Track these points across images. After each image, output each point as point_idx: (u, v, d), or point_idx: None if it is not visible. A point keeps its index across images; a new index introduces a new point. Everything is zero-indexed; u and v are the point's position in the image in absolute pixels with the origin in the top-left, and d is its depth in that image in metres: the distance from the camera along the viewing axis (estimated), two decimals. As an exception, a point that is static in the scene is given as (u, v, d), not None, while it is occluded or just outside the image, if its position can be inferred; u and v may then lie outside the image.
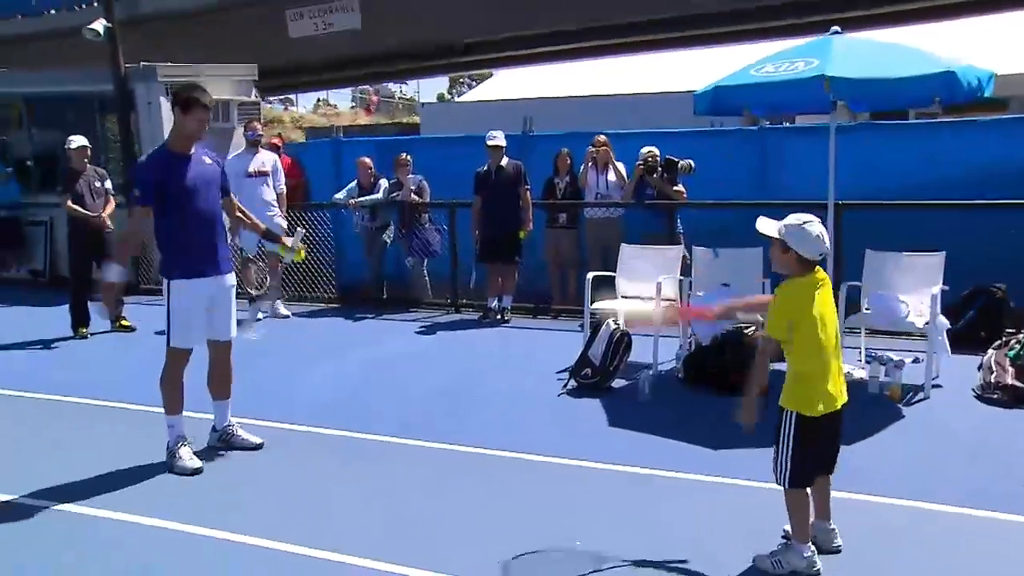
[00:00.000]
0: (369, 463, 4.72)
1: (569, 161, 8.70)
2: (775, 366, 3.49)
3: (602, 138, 8.60)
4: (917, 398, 5.56)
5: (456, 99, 37.55)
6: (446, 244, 9.11)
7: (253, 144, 8.82)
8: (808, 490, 3.35)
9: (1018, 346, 5.67)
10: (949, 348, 5.85)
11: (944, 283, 5.82)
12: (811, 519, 3.38)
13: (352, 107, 50.49)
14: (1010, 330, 6.17)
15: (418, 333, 8.11)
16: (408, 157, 9.22)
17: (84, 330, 8.03)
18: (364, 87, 43.51)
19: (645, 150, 8.31)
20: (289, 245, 5.20)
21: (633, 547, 3.59)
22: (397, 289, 9.63)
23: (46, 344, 7.77)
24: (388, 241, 9.42)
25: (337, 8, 19.22)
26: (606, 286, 6.97)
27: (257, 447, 4.84)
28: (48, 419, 5.67)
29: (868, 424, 5.00)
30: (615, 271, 6.95)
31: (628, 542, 3.63)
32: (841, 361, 3.41)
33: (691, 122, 8.39)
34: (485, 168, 8.43)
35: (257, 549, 3.65)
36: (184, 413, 4.65)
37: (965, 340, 6.33)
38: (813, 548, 3.31)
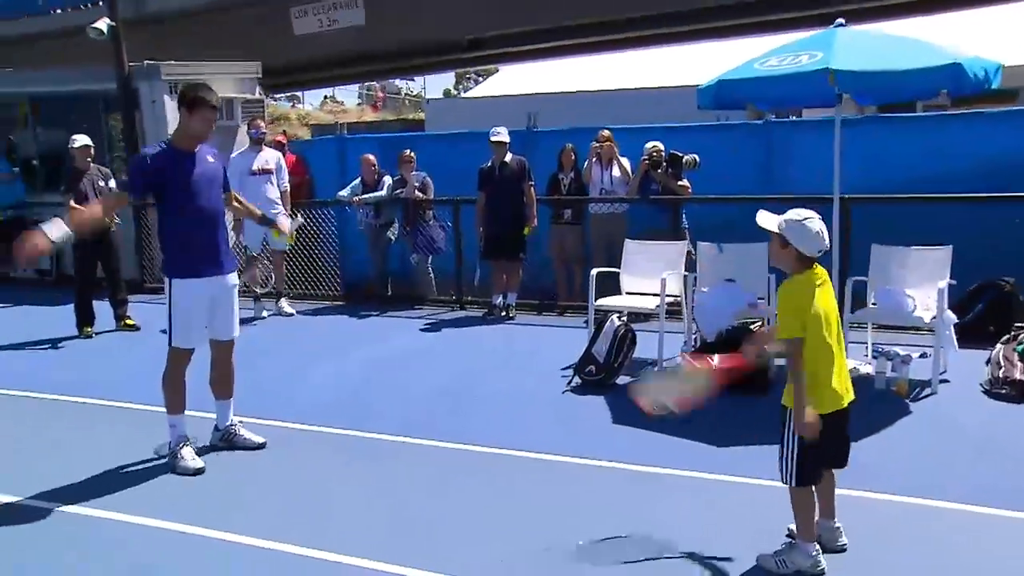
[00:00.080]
0: (372, 462, 4.70)
1: (573, 157, 8.66)
2: (778, 362, 3.45)
3: (606, 133, 8.56)
4: (924, 393, 5.51)
5: (462, 95, 37.53)
6: (450, 241, 9.09)
7: (257, 142, 8.80)
8: (813, 488, 3.32)
9: (1027, 341, 5.62)
10: (956, 343, 5.81)
11: (951, 277, 5.77)
12: (816, 517, 3.35)
13: (358, 104, 50.55)
14: (1019, 324, 6.12)
15: (422, 330, 8.09)
16: (412, 154, 9.19)
17: (89, 329, 8.04)
18: (370, 84, 43.57)
19: (650, 145, 8.27)
20: (284, 231, 5.23)
21: (636, 546, 3.56)
22: (402, 286, 9.61)
23: (50, 343, 7.77)
24: (392, 238, 9.41)
25: (341, 4, 19.21)
26: (613, 282, 6.94)
27: (259, 447, 4.83)
28: (50, 419, 5.67)
29: (874, 420, 4.95)
30: (620, 267, 6.92)
31: (631, 541, 3.60)
32: (845, 359, 3.36)
33: (696, 116, 8.34)
34: (489, 164, 8.40)
35: (259, 550, 3.63)
36: (186, 412, 4.64)
37: (973, 334, 6.28)
38: (818, 547, 3.27)
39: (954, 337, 5.79)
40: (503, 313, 8.41)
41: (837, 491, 3.47)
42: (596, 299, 6.65)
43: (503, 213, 8.27)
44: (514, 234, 8.31)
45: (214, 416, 4.89)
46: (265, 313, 8.75)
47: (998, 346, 5.72)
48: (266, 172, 8.67)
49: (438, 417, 5.37)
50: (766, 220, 3.34)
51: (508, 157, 8.33)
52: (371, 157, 9.43)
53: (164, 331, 4.61)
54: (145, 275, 10.32)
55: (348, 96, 52.60)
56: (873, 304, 5.98)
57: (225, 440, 4.84)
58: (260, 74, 11.78)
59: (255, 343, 7.38)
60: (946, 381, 5.69)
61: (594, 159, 8.51)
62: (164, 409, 4.63)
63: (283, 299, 8.96)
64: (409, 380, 6.27)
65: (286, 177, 8.94)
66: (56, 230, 4.28)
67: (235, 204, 5.02)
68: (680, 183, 8.18)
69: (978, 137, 8.08)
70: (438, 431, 5.05)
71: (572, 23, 17.53)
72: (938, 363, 5.62)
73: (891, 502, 3.91)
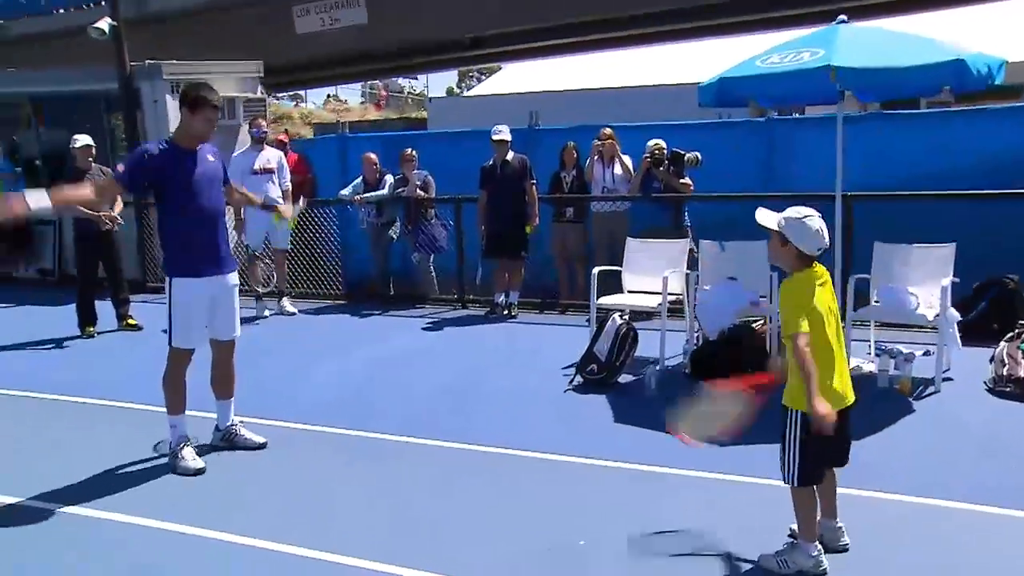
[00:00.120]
0: (373, 462, 4.69)
1: (575, 155, 8.64)
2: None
3: (608, 131, 8.53)
4: (927, 392, 5.49)
5: (464, 94, 37.50)
6: (452, 239, 9.07)
7: (258, 141, 8.80)
8: (814, 488, 3.30)
9: (1031, 338, 5.60)
10: (960, 340, 5.78)
11: (955, 275, 5.74)
12: (817, 517, 3.33)
13: (362, 103, 50.53)
14: (1023, 322, 6.08)
15: (424, 329, 8.08)
16: (414, 152, 9.18)
17: (91, 329, 8.05)
18: (373, 82, 43.54)
19: (652, 143, 8.26)
20: (286, 215, 5.29)
21: (637, 545, 3.55)
22: (404, 285, 9.60)
23: (52, 343, 7.77)
24: (394, 237, 9.40)
25: (343, 3, 19.20)
26: (615, 280, 6.92)
27: (260, 446, 4.82)
28: (51, 419, 5.67)
29: (877, 418, 4.94)
30: (622, 265, 6.90)
31: (632, 541, 3.59)
32: (846, 359, 3.34)
33: (698, 114, 8.32)
34: (491, 163, 8.38)
35: (259, 550, 3.62)
36: (187, 412, 4.63)
37: (977, 332, 6.26)
38: (820, 547, 3.25)
39: (958, 335, 5.75)
40: (505, 312, 8.40)
41: (840, 490, 3.45)
42: (598, 298, 6.64)
43: (505, 212, 8.25)
44: (516, 233, 8.29)
45: (215, 416, 4.88)
46: (267, 312, 8.75)
47: (1002, 344, 5.70)
48: (267, 171, 8.67)
49: (440, 416, 5.36)
50: (765, 218, 3.32)
51: (510, 155, 8.32)
52: (373, 156, 9.42)
53: (165, 331, 4.61)
54: (147, 275, 10.32)
55: (351, 95, 52.54)
56: (876, 302, 5.95)
57: (226, 440, 4.83)
58: (262, 73, 11.77)
59: (257, 342, 7.38)
60: (949, 379, 5.66)
61: (596, 157, 8.49)
62: (165, 409, 4.61)
63: (285, 298, 8.96)
64: (411, 379, 6.26)
65: (287, 176, 8.93)
66: (37, 200, 4.15)
67: (236, 196, 5.03)
68: (682, 181, 8.16)
69: (982, 134, 8.05)
70: (440, 430, 5.04)
71: (575, 20, 17.50)
72: (941, 361, 5.60)
73: (894, 501, 3.89)
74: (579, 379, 5.94)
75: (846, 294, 5.73)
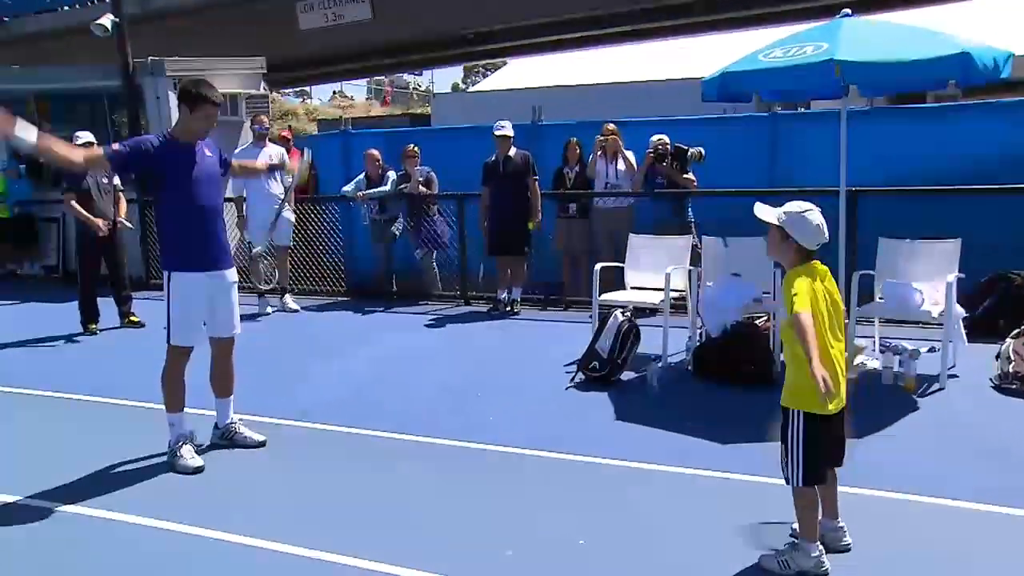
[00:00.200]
0: (374, 460, 4.66)
1: (579, 150, 8.60)
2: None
3: (611, 127, 8.48)
4: (932, 389, 5.44)
5: (469, 89, 37.45)
6: (455, 236, 9.04)
7: (260, 138, 8.79)
8: (816, 488, 3.26)
9: (1037, 335, 5.54)
10: (966, 337, 5.73)
11: (960, 270, 5.69)
12: (819, 517, 3.29)
13: (368, 99, 50.53)
14: (1029, 318, 6.02)
15: (427, 326, 8.05)
16: (416, 148, 9.14)
17: (94, 326, 8.05)
18: (379, 78, 43.54)
19: (655, 138, 8.21)
20: (294, 168, 5.34)
21: (637, 545, 3.51)
22: (406, 282, 9.58)
23: (55, 340, 7.77)
24: (397, 233, 9.37)
25: (346, -1, 19.20)
26: (619, 276, 6.89)
27: (260, 445, 4.79)
28: (50, 416, 5.65)
29: (881, 416, 4.90)
30: (625, 262, 6.86)
31: (632, 540, 3.56)
32: (845, 357, 3.29)
33: (702, 109, 8.26)
34: (493, 159, 8.34)
35: (259, 550, 3.58)
36: (186, 410, 4.61)
37: (983, 329, 6.21)
38: (821, 547, 3.21)
39: (963, 331, 5.71)
40: (508, 308, 8.37)
41: (842, 489, 3.41)
42: (601, 294, 6.60)
43: (507, 208, 8.22)
44: (518, 229, 8.25)
45: (214, 414, 4.86)
46: (269, 309, 8.74)
47: (1008, 340, 5.63)
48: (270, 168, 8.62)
49: (440, 415, 5.33)
50: (764, 212, 3.28)
51: (512, 151, 8.28)
52: (375, 152, 9.39)
53: (166, 328, 4.58)
54: (151, 272, 10.33)
55: (357, 91, 52.56)
56: (880, 298, 5.90)
57: (225, 438, 4.81)
58: (265, 69, 11.77)
59: (258, 339, 7.37)
60: (955, 376, 5.61)
61: (599, 153, 8.44)
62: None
63: (287, 295, 8.95)
64: (412, 377, 6.23)
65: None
66: (25, 130, 4.03)
67: (239, 171, 5.02)
68: (685, 176, 8.12)
69: (990, 128, 7.97)
70: (441, 429, 5.01)
71: (578, 15, 17.45)
72: (947, 358, 5.54)
73: (898, 500, 3.85)
74: (581, 376, 5.90)
75: (850, 291, 5.68)
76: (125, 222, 8.17)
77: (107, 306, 8.16)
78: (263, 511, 4.00)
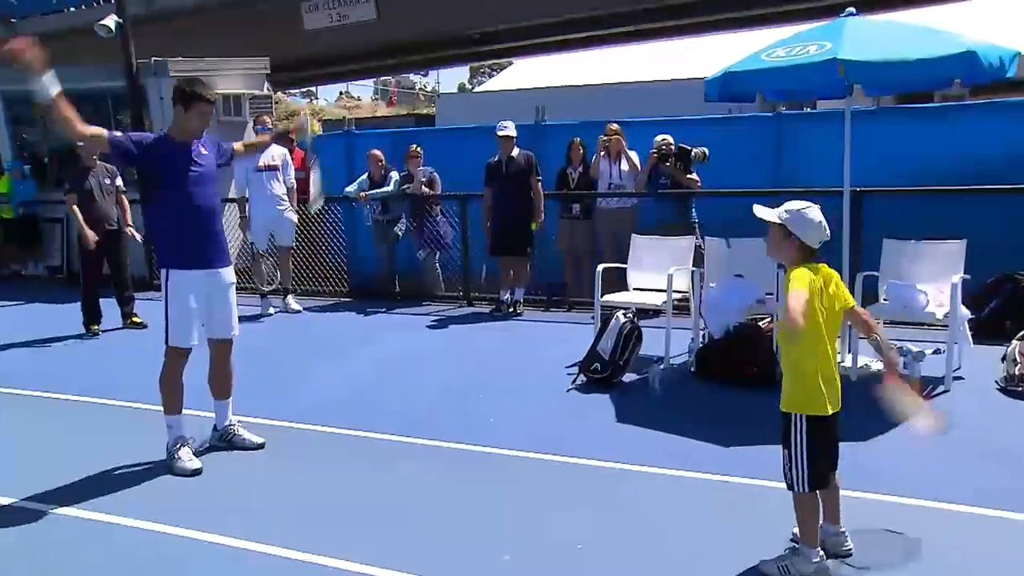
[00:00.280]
0: (374, 463, 4.63)
1: (582, 151, 8.56)
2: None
3: (614, 127, 8.45)
4: (937, 391, 5.39)
5: (475, 90, 37.45)
6: (458, 236, 9.02)
7: (262, 138, 8.77)
8: (818, 493, 3.22)
9: (1044, 337, 5.48)
10: (971, 339, 5.67)
11: (966, 271, 5.63)
12: (820, 522, 3.25)
13: (374, 99, 50.56)
14: (1036, 320, 5.97)
15: (429, 327, 8.02)
16: (419, 149, 9.12)
17: (96, 327, 8.04)
18: (385, 79, 43.56)
19: (659, 138, 8.17)
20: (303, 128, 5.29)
21: (637, 548, 3.48)
22: (409, 282, 9.55)
23: (58, 341, 7.77)
24: (400, 234, 9.35)
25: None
26: (623, 277, 6.85)
27: (258, 447, 4.77)
28: (50, 418, 5.65)
29: (885, 419, 4.80)
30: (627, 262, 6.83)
31: (632, 543, 3.52)
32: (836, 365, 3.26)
33: (706, 109, 8.22)
34: (496, 159, 8.31)
35: (257, 554, 3.55)
36: (185, 411, 4.59)
37: (988, 330, 6.16)
38: (822, 553, 3.18)
39: (969, 333, 5.65)
40: (511, 309, 8.34)
41: (844, 493, 3.37)
42: (604, 295, 6.57)
43: (510, 208, 8.18)
44: (521, 230, 8.22)
45: (213, 415, 4.84)
46: (272, 310, 8.72)
47: (1014, 342, 5.58)
48: (272, 168, 8.63)
49: (441, 416, 5.30)
50: (764, 212, 3.25)
51: (515, 152, 8.25)
52: (378, 152, 9.38)
53: (164, 329, 4.55)
54: (153, 272, 10.30)
55: (363, 91, 52.65)
56: (884, 300, 5.85)
57: (224, 440, 4.79)
58: (268, 70, 11.76)
59: (260, 340, 7.36)
60: (960, 378, 5.56)
61: (602, 153, 8.40)
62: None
63: (289, 296, 8.93)
64: (414, 378, 6.20)
65: (292, 173, 8.90)
66: (51, 82, 3.99)
67: (243, 151, 4.97)
68: (689, 177, 8.07)
69: (996, 127, 7.91)
70: (441, 431, 4.97)
71: (582, 15, 17.42)
72: (952, 360, 5.49)
73: (901, 505, 3.80)
74: (582, 378, 5.87)
75: (854, 292, 5.62)
76: (135, 233, 8.14)
77: (110, 307, 8.15)
78: (260, 513, 3.98)
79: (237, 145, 4.96)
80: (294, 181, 8.89)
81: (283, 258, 8.97)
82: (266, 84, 11.76)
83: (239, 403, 4.91)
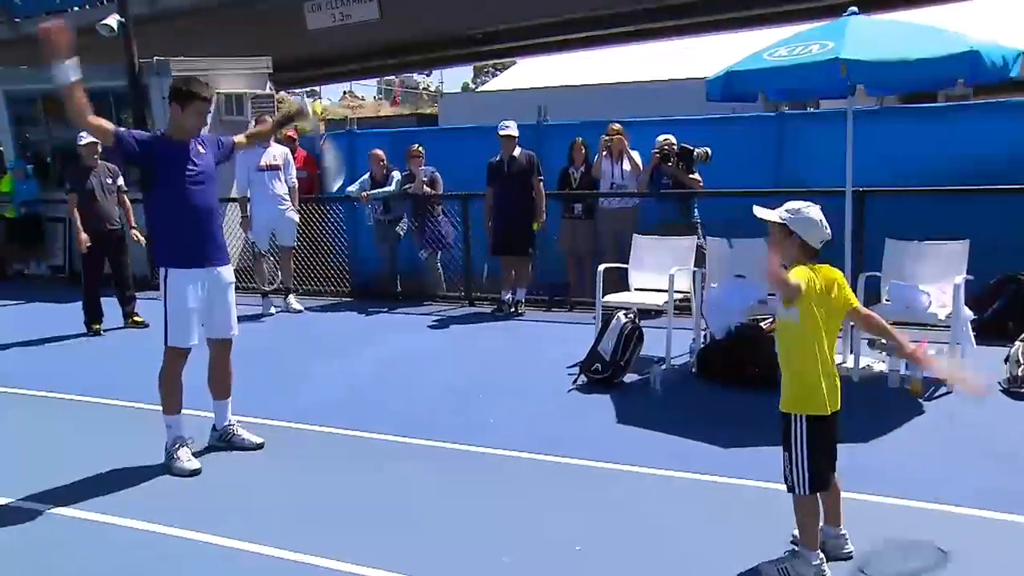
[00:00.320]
0: (373, 463, 4.61)
1: (584, 150, 8.54)
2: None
3: (616, 127, 8.43)
4: (939, 392, 5.36)
5: (478, 89, 37.42)
6: (459, 236, 9.00)
7: (264, 138, 8.75)
8: (818, 495, 3.20)
9: (1047, 338, 5.46)
10: (974, 340, 5.64)
11: (968, 272, 5.61)
12: (820, 524, 3.23)
13: (377, 99, 50.56)
14: (1039, 321, 5.94)
15: (431, 327, 8.01)
16: (420, 148, 9.11)
17: (98, 327, 8.04)
18: (389, 78, 43.55)
19: (661, 138, 8.15)
20: (307, 112, 5.10)
21: (635, 551, 3.46)
22: (411, 282, 9.54)
23: (59, 341, 7.77)
24: (401, 234, 9.34)
25: (354, -1, 19.21)
26: (625, 277, 6.83)
27: (258, 447, 4.76)
28: (50, 417, 5.64)
29: (887, 420, 4.83)
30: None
31: (630, 545, 3.51)
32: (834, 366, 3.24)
33: (709, 109, 8.19)
34: (498, 159, 8.30)
35: (256, 555, 3.54)
36: (185, 411, 4.58)
37: (991, 331, 6.13)
38: (822, 555, 3.15)
39: (971, 334, 5.62)
40: (512, 309, 8.32)
41: (845, 495, 3.35)
42: (605, 295, 6.55)
43: (512, 208, 8.17)
44: (523, 230, 8.20)
45: (212, 415, 4.83)
46: (273, 310, 8.72)
47: (1017, 344, 5.56)
48: (273, 168, 8.63)
49: (441, 416, 5.29)
50: (765, 213, 3.24)
51: (517, 151, 8.23)
52: (380, 152, 9.37)
53: (163, 328, 4.54)
54: (155, 272, 10.28)
55: (367, 91, 52.65)
56: (887, 300, 5.82)
57: (223, 440, 4.78)
58: (270, 69, 11.74)
59: (261, 340, 7.36)
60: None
61: (604, 153, 8.38)
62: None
63: (291, 295, 8.92)
64: (414, 378, 6.19)
65: (294, 173, 8.90)
66: (72, 67, 4.15)
67: (245, 140, 4.95)
68: (691, 176, 8.05)
69: (1000, 127, 7.88)
70: (441, 431, 4.96)
71: (583, 15, 17.40)
72: (954, 361, 5.46)
73: (902, 507, 3.78)
74: (583, 378, 5.85)
75: (857, 292, 5.60)
76: (140, 236, 8.11)
77: (111, 306, 8.15)
78: (259, 514, 3.97)
79: (238, 137, 4.94)
80: (296, 180, 8.89)
81: (284, 258, 8.96)
82: (268, 83, 11.75)
83: (239, 403, 4.90)
